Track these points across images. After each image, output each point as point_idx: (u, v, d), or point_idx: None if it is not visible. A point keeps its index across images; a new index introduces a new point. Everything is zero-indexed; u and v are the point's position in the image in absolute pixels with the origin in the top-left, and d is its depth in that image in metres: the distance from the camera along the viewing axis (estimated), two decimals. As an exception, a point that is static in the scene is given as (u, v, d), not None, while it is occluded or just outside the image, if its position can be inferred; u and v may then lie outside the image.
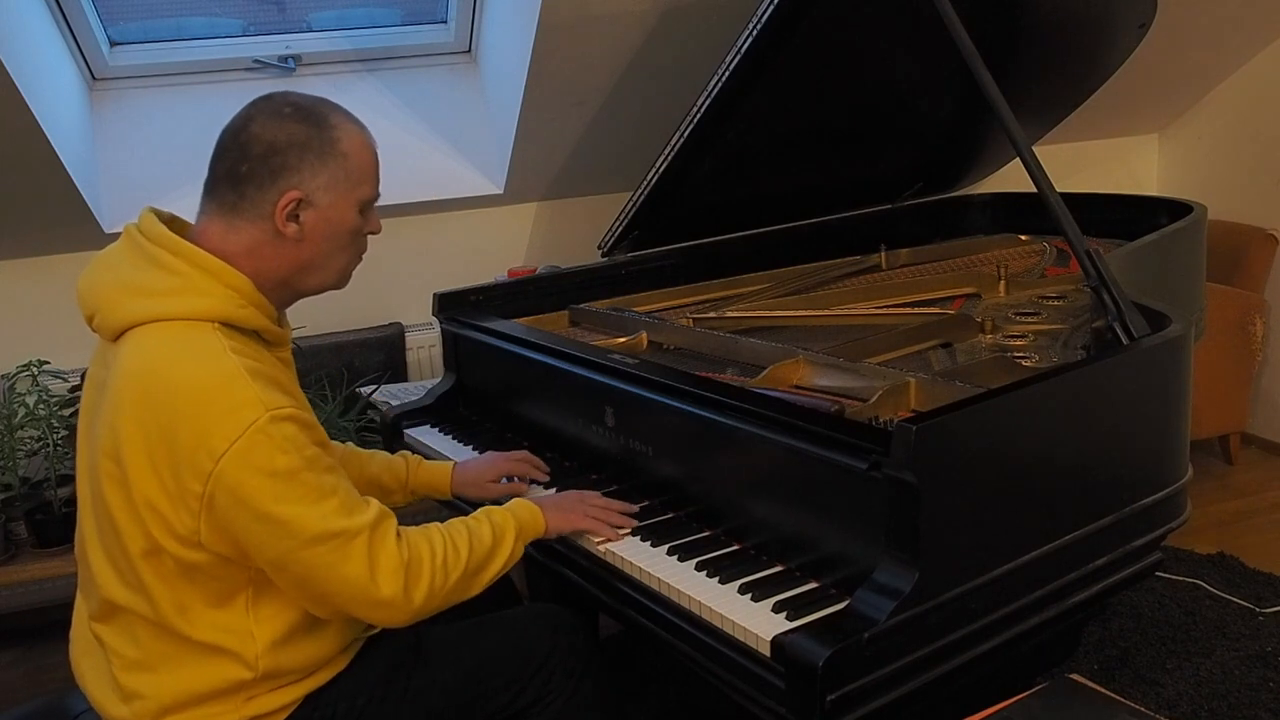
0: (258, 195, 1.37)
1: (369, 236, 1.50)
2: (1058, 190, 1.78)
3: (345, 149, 1.41)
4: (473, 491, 1.82)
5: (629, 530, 1.65)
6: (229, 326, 1.37)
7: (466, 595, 1.47)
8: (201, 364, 1.31)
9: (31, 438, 2.78)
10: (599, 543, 1.63)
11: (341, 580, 1.34)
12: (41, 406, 2.75)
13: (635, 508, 1.69)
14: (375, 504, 1.39)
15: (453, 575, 1.43)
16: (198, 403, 1.28)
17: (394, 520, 1.41)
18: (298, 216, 1.39)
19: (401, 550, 1.38)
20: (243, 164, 1.37)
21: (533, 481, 1.85)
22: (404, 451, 1.88)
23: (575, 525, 1.63)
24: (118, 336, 1.38)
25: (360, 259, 1.51)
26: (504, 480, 1.84)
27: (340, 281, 1.49)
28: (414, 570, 1.38)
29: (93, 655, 1.47)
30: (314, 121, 1.39)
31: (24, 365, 2.81)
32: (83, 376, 2.85)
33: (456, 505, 1.89)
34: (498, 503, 1.63)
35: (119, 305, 1.37)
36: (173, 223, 1.43)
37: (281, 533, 1.30)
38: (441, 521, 1.51)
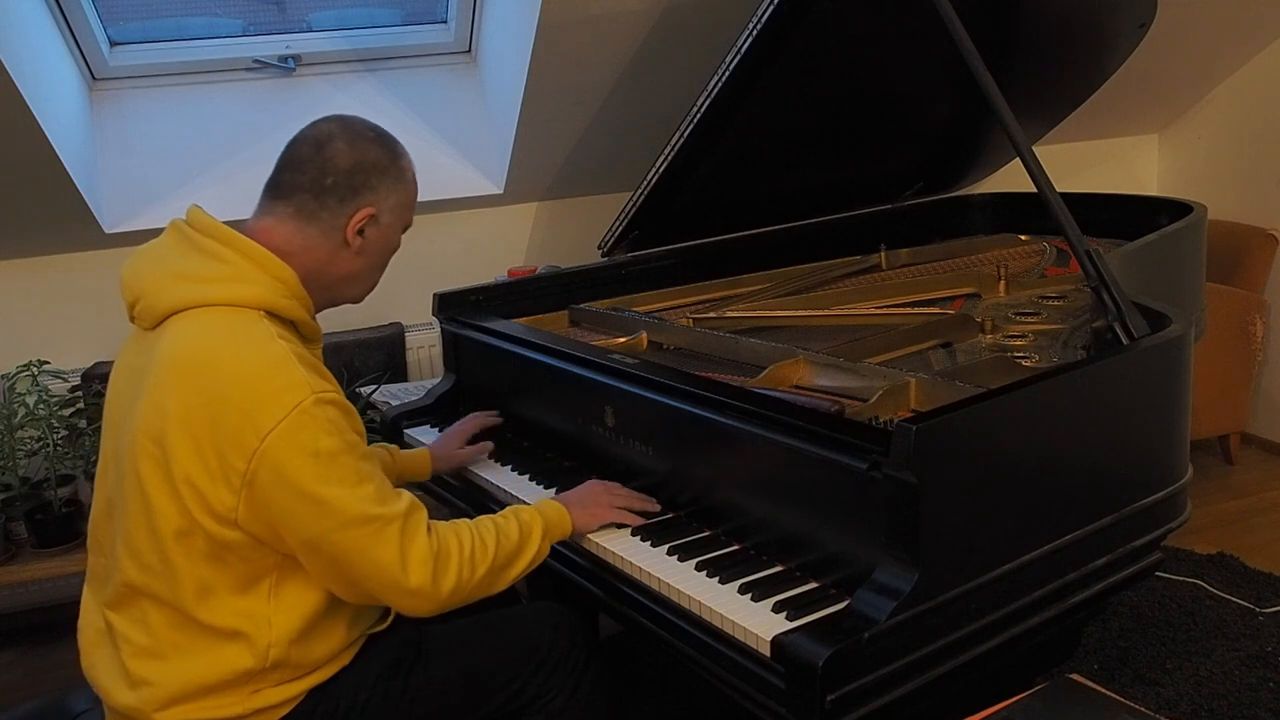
0: (338, 207, 1.48)
1: None
2: (1058, 190, 1.78)
3: (409, 177, 1.57)
4: (445, 465, 1.97)
5: (655, 509, 1.69)
6: (271, 316, 1.43)
7: (493, 590, 1.51)
8: (250, 347, 1.37)
9: (31, 438, 2.78)
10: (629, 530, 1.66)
11: (373, 564, 1.38)
12: (41, 406, 2.75)
13: (656, 505, 1.71)
14: (407, 495, 1.44)
15: (479, 570, 1.47)
16: (246, 383, 1.34)
17: (425, 512, 1.45)
18: (363, 231, 1.49)
19: (431, 541, 1.42)
20: (327, 177, 1.47)
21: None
22: (381, 443, 1.95)
23: (602, 520, 1.67)
24: (159, 323, 1.42)
25: None
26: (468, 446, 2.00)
27: (365, 295, 1.60)
28: (442, 562, 1.43)
29: (103, 646, 1.48)
30: (390, 148, 1.54)
31: (24, 365, 2.81)
32: (83, 377, 2.89)
33: (432, 489, 2.08)
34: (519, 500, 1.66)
35: (166, 290, 1.42)
36: None
37: (321, 512, 1.34)
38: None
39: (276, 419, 1.32)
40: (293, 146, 1.50)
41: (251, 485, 1.33)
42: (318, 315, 1.54)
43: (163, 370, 1.37)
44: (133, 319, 1.48)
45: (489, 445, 2.03)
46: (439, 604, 1.44)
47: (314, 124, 1.51)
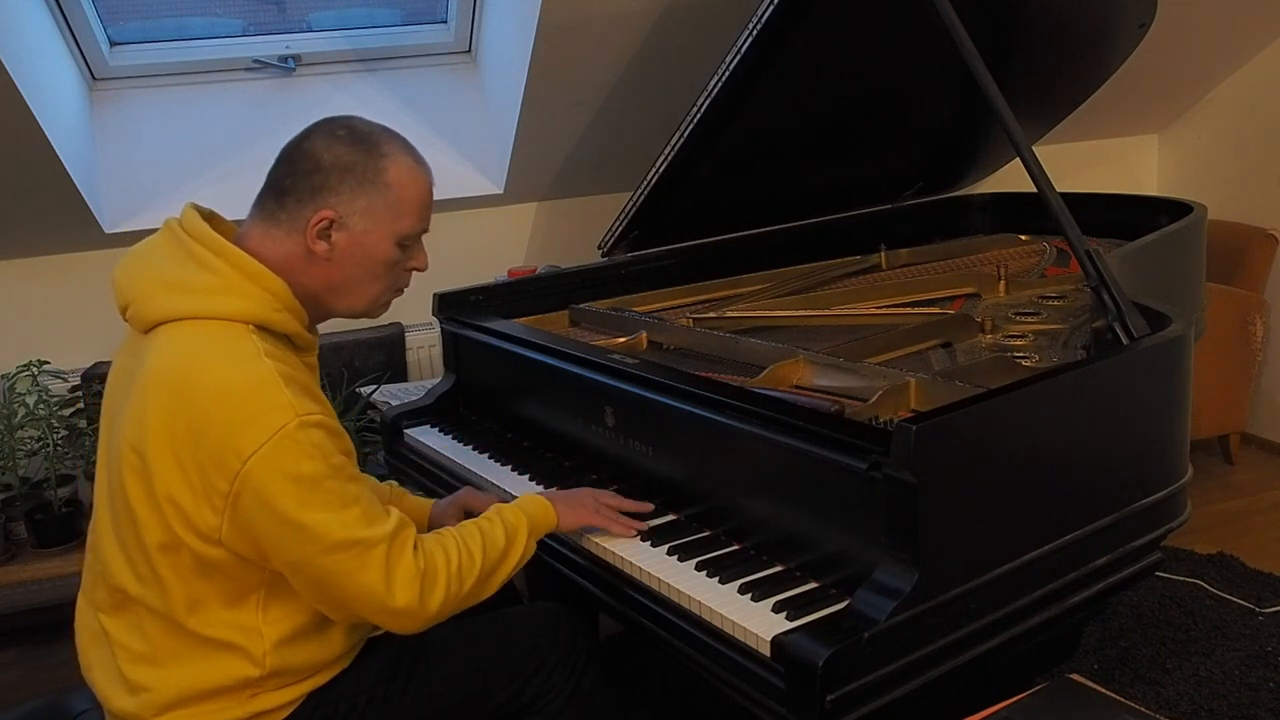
0: (296, 209, 1.41)
1: (414, 273, 1.52)
2: (1058, 190, 1.78)
3: (390, 179, 1.42)
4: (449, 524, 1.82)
5: (642, 528, 1.65)
6: (262, 329, 1.39)
7: (482, 597, 1.49)
8: (235, 366, 1.33)
9: (31, 438, 2.78)
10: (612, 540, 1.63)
11: (357, 587, 1.35)
12: (41, 406, 2.75)
13: (649, 506, 1.69)
14: (395, 513, 1.41)
15: (468, 582, 1.45)
16: (229, 403, 1.30)
17: (413, 530, 1.42)
18: (329, 236, 1.41)
19: (418, 560, 1.39)
20: (288, 177, 1.41)
21: None
22: (391, 481, 1.89)
23: (586, 521, 1.64)
24: (150, 329, 1.39)
25: (399, 292, 1.53)
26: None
27: (371, 310, 1.51)
28: (429, 580, 1.40)
29: (100, 647, 1.48)
30: (364, 148, 1.42)
31: (24, 365, 2.82)
32: (83, 377, 2.89)
33: (433, 490, 2.02)
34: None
35: (155, 299, 1.39)
36: (211, 219, 1.45)
37: (303, 537, 1.32)
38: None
39: (258, 442, 1.28)
40: (283, 147, 1.46)
41: (235, 507, 1.31)
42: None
43: (146, 382, 1.35)
44: (126, 320, 1.46)
45: None
46: (426, 621, 1.42)
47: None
